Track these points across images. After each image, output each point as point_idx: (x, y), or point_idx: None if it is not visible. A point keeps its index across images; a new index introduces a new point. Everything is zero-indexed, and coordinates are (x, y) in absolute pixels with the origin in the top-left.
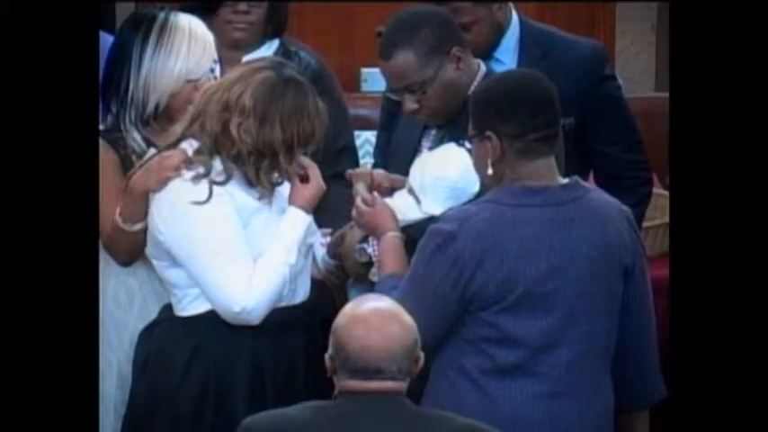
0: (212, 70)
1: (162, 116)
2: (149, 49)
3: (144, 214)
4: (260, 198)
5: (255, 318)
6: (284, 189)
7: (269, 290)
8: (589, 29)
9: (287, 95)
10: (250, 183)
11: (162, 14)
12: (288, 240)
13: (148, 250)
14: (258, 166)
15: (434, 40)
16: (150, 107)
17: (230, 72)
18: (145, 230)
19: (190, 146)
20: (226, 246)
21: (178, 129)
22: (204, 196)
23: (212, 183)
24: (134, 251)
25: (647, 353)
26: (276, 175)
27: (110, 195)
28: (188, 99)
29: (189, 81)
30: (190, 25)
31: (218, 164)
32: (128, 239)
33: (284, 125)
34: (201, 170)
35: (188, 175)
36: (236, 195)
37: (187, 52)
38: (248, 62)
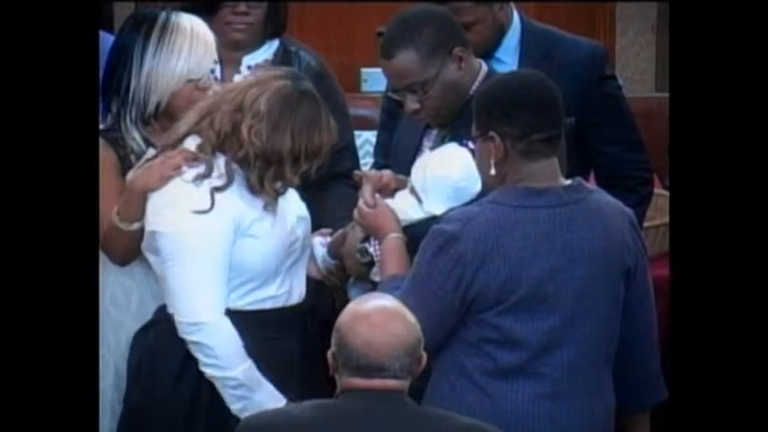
0: (212, 71)
1: (163, 116)
2: (151, 49)
3: (141, 214)
4: (264, 207)
5: (198, 338)
6: (290, 198)
7: (221, 337)
8: (589, 29)
9: (301, 107)
10: (251, 189)
11: (163, 14)
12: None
13: (144, 245)
14: (263, 173)
15: (436, 40)
16: (151, 107)
17: (248, 76)
18: (141, 230)
19: (193, 141)
20: (211, 259)
21: (182, 126)
22: (205, 204)
23: (214, 189)
24: (130, 251)
25: (649, 354)
26: (279, 184)
27: (107, 195)
28: (189, 99)
29: (190, 81)
30: (192, 25)
31: (220, 164)
32: (124, 239)
33: (295, 136)
34: (203, 170)
35: (189, 174)
36: (237, 204)
37: (189, 52)
38: (266, 69)
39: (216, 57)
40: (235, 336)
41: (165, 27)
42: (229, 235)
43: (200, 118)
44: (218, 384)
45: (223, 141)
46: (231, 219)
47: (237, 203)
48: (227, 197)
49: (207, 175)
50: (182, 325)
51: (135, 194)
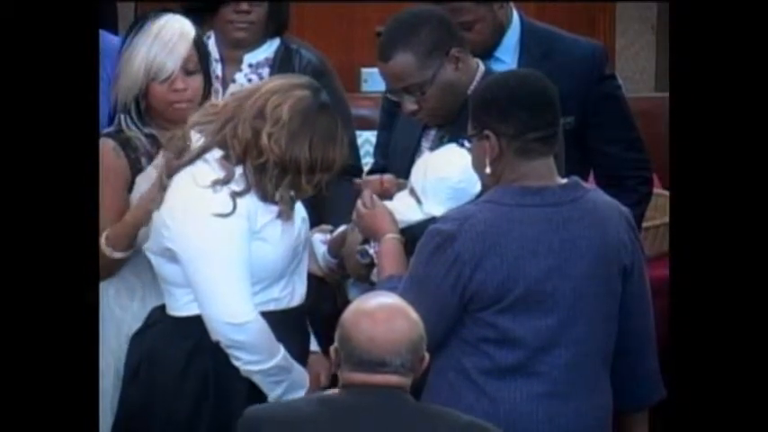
0: (208, 66)
1: (153, 116)
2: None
3: (130, 246)
4: (278, 215)
5: (242, 337)
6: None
7: (260, 332)
8: (589, 29)
9: (320, 120)
10: (265, 197)
11: (149, 16)
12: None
13: (147, 245)
14: (279, 181)
15: (433, 41)
16: (132, 109)
17: (266, 81)
18: (123, 259)
19: (212, 157)
20: (239, 259)
21: (195, 138)
22: (227, 208)
23: (234, 194)
24: (105, 274)
25: (647, 353)
26: (293, 193)
27: (108, 209)
28: (164, 99)
29: (159, 81)
30: (162, 26)
31: (237, 171)
32: (103, 262)
33: (312, 147)
34: (222, 175)
35: (206, 180)
36: (251, 207)
37: (147, 53)
38: (286, 76)
39: (185, 54)
40: (267, 327)
41: (137, 29)
42: (248, 235)
43: (223, 124)
44: (257, 378)
45: (245, 149)
46: (247, 219)
47: (251, 206)
48: (243, 199)
49: (227, 181)
50: (224, 327)
51: (126, 228)
